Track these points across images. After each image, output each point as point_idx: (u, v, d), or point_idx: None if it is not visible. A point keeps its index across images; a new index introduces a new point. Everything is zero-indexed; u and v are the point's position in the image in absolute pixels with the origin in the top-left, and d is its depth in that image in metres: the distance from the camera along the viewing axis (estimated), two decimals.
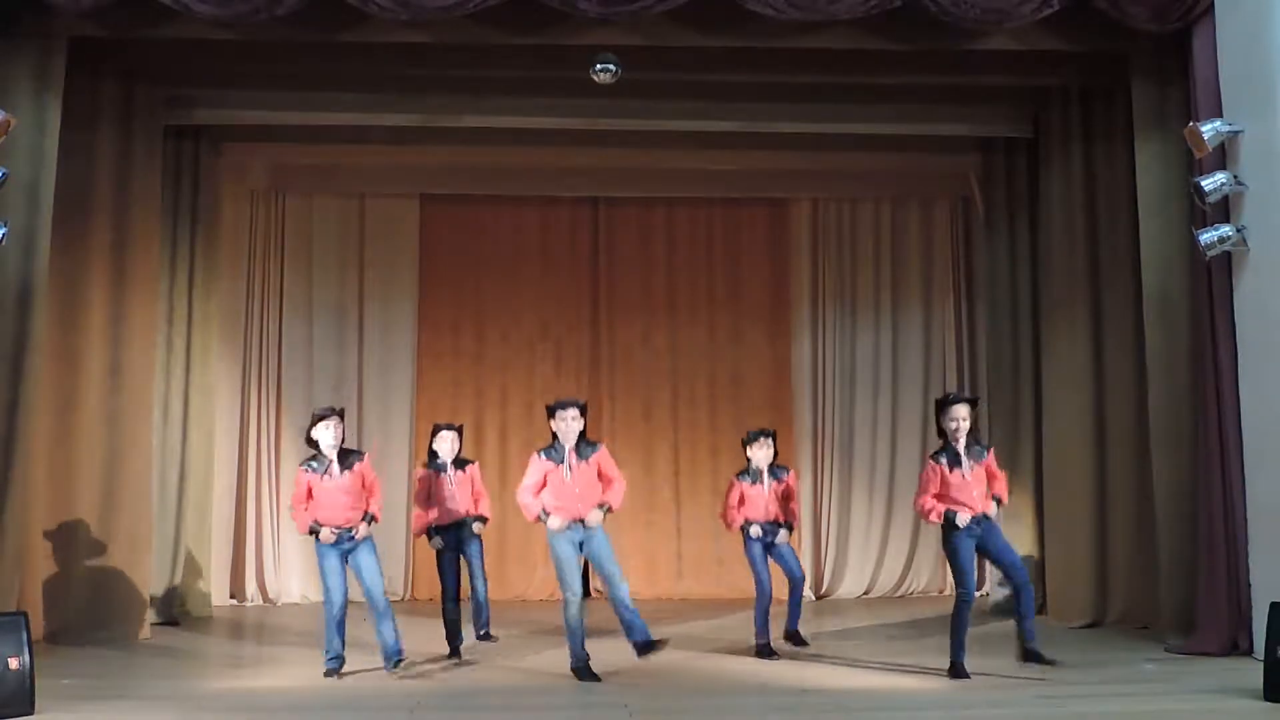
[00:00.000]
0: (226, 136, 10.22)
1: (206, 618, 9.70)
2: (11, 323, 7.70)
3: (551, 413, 7.08)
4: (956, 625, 6.88)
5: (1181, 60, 8.05)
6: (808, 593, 11.11)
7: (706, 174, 11.03)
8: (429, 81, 9.16)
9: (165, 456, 9.48)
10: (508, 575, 10.98)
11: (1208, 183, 7.51)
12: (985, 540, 6.90)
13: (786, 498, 7.98)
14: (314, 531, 7.08)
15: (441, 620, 7.84)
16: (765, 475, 7.94)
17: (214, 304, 10.22)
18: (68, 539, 8.36)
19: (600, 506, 6.94)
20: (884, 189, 11.55)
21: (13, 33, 7.81)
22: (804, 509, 11.24)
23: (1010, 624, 9.13)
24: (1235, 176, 7.48)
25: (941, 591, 11.16)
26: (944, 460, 6.92)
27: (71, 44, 8.03)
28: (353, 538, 7.08)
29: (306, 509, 7.13)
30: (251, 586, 10.82)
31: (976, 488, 6.87)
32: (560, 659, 7.24)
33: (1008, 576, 6.95)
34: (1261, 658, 6.34)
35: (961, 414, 6.91)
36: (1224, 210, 7.59)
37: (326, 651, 7.08)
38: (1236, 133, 7.47)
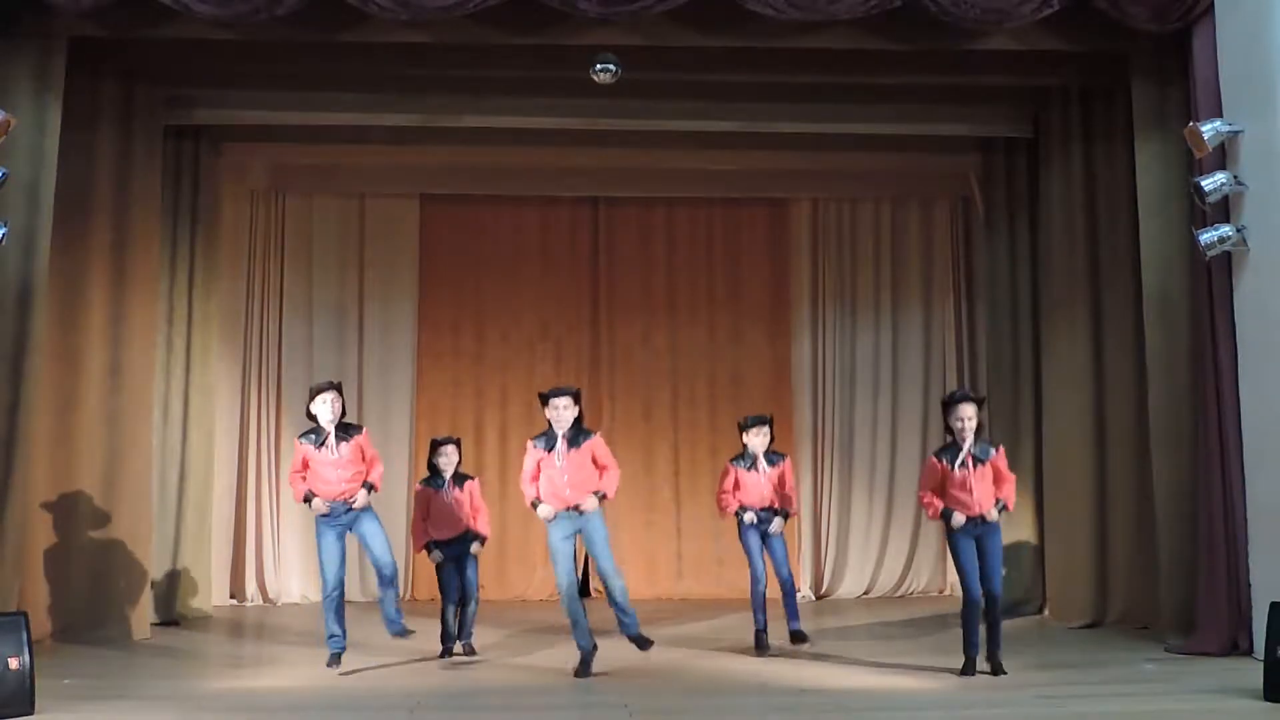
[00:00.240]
0: (226, 136, 10.22)
1: (206, 618, 9.69)
2: (12, 323, 7.70)
3: (545, 401, 7.09)
4: (966, 625, 6.91)
5: (1181, 60, 8.05)
6: (807, 592, 11.16)
7: (706, 174, 11.02)
8: (429, 81, 9.16)
9: (165, 456, 9.48)
10: (508, 575, 10.98)
11: (1208, 183, 7.51)
12: (980, 541, 6.90)
13: (782, 484, 7.94)
14: (308, 500, 7.09)
15: (440, 620, 7.84)
16: (761, 461, 7.92)
17: (214, 304, 10.21)
18: (68, 539, 8.35)
19: (595, 494, 6.93)
20: (884, 189, 11.54)
21: (13, 33, 7.81)
22: (804, 509, 11.25)
23: (1009, 624, 9.18)
24: (1235, 176, 7.48)
25: (941, 591, 11.16)
26: (946, 458, 6.93)
27: (71, 44, 8.03)
28: (350, 509, 7.06)
29: (304, 479, 7.14)
30: (251, 586, 10.81)
31: (978, 488, 6.86)
32: (560, 658, 7.25)
33: (983, 581, 6.88)
34: (1261, 658, 6.34)
35: (968, 413, 6.91)
36: (1224, 210, 7.60)
37: (327, 636, 7.07)
38: (1236, 133, 7.47)
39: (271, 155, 10.82)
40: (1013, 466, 9.38)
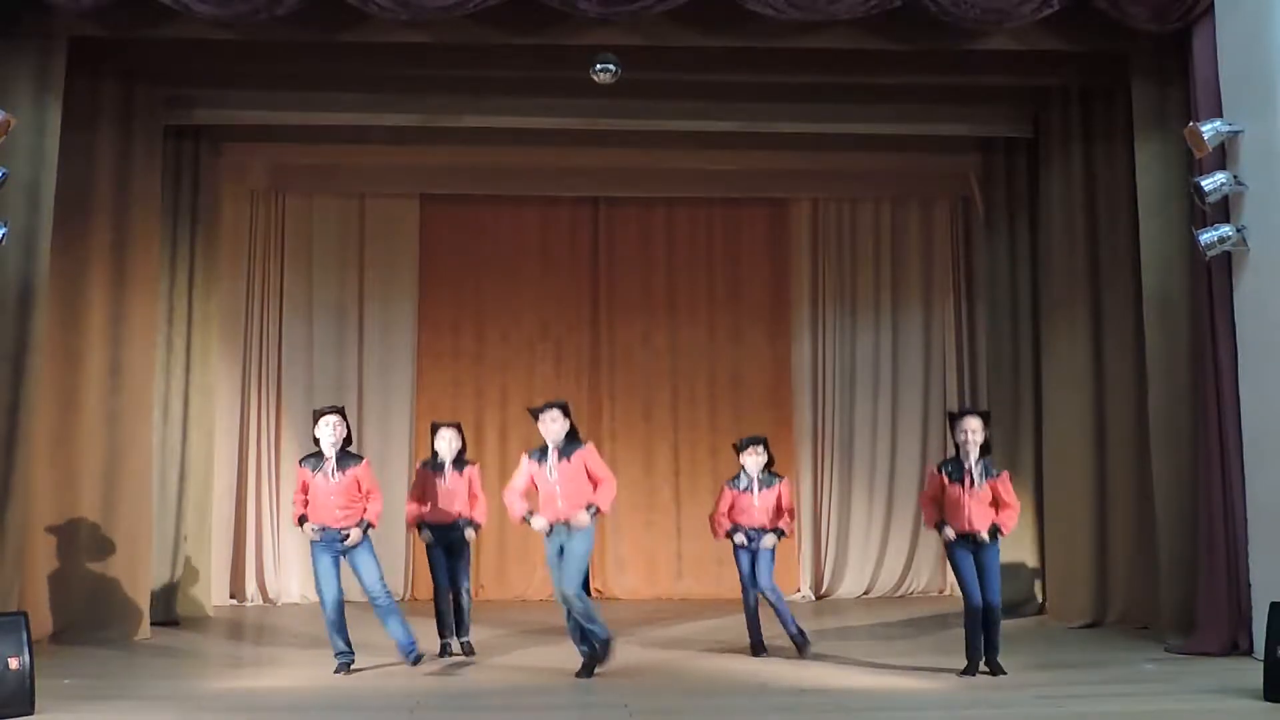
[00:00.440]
0: (226, 136, 10.22)
1: (206, 618, 9.69)
2: (12, 323, 7.70)
3: (535, 416, 7.06)
4: (968, 631, 6.91)
5: (1181, 60, 8.05)
6: (807, 592, 11.16)
7: (706, 174, 11.02)
8: (429, 81, 9.16)
9: (165, 456, 9.48)
10: (508, 575, 10.99)
11: (1208, 183, 7.51)
12: (976, 556, 6.88)
13: (779, 506, 7.85)
14: (302, 523, 7.10)
15: (435, 611, 7.82)
16: (755, 482, 7.88)
17: (214, 304, 10.21)
18: (68, 539, 8.36)
19: (588, 508, 6.86)
20: (884, 189, 11.55)
21: (13, 33, 7.81)
22: (804, 509, 11.26)
23: (1009, 625, 9.18)
24: (1235, 176, 7.48)
25: (941, 591, 11.17)
26: (946, 471, 6.95)
27: (71, 44, 8.03)
28: (343, 541, 7.05)
29: (305, 503, 7.14)
30: (251, 586, 10.82)
31: (975, 507, 6.83)
32: (560, 658, 7.25)
33: (982, 591, 6.85)
34: (1261, 658, 6.34)
35: (972, 425, 6.91)
36: (1224, 210, 7.60)
37: (334, 652, 7.10)
38: (1236, 133, 7.47)
39: (271, 155, 10.82)
40: (1013, 466, 9.47)
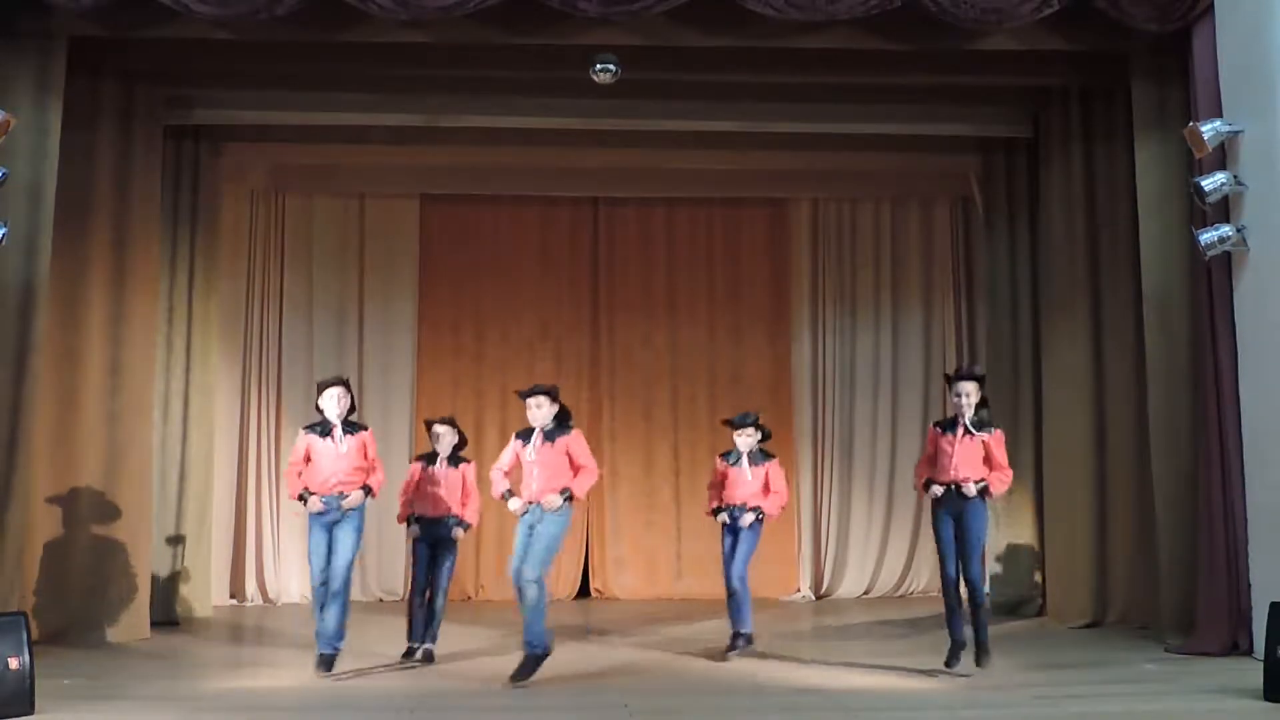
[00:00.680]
0: (226, 136, 10.21)
1: (206, 618, 9.68)
2: (14, 323, 7.71)
3: (523, 399, 7.03)
4: (946, 605, 6.89)
5: (1181, 60, 8.05)
6: (807, 592, 11.17)
7: (706, 174, 11.02)
8: (429, 81, 9.16)
9: (165, 456, 9.48)
10: (507, 575, 10.95)
11: (1208, 183, 7.51)
12: (959, 521, 6.78)
13: (767, 484, 7.80)
14: (303, 498, 7.01)
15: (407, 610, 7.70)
16: (745, 459, 7.85)
17: (214, 304, 10.20)
18: (68, 539, 8.35)
19: (561, 492, 6.77)
20: (884, 189, 11.55)
21: (13, 33, 7.81)
22: (804, 509, 11.28)
23: (1007, 624, 9.19)
24: (1235, 176, 7.48)
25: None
26: (940, 426, 7.00)
27: (71, 44, 8.03)
28: (339, 507, 6.95)
29: (301, 475, 7.06)
30: (251, 586, 10.82)
31: (963, 459, 6.78)
32: (560, 659, 7.24)
33: (961, 562, 6.78)
34: (1261, 658, 6.34)
35: (966, 389, 6.91)
36: (1224, 210, 7.60)
37: (315, 634, 6.98)
38: (1236, 133, 7.47)
39: (271, 155, 10.80)
40: (1013, 466, 9.42)
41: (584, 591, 11.22)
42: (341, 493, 6.99)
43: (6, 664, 5.75)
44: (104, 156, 8.64)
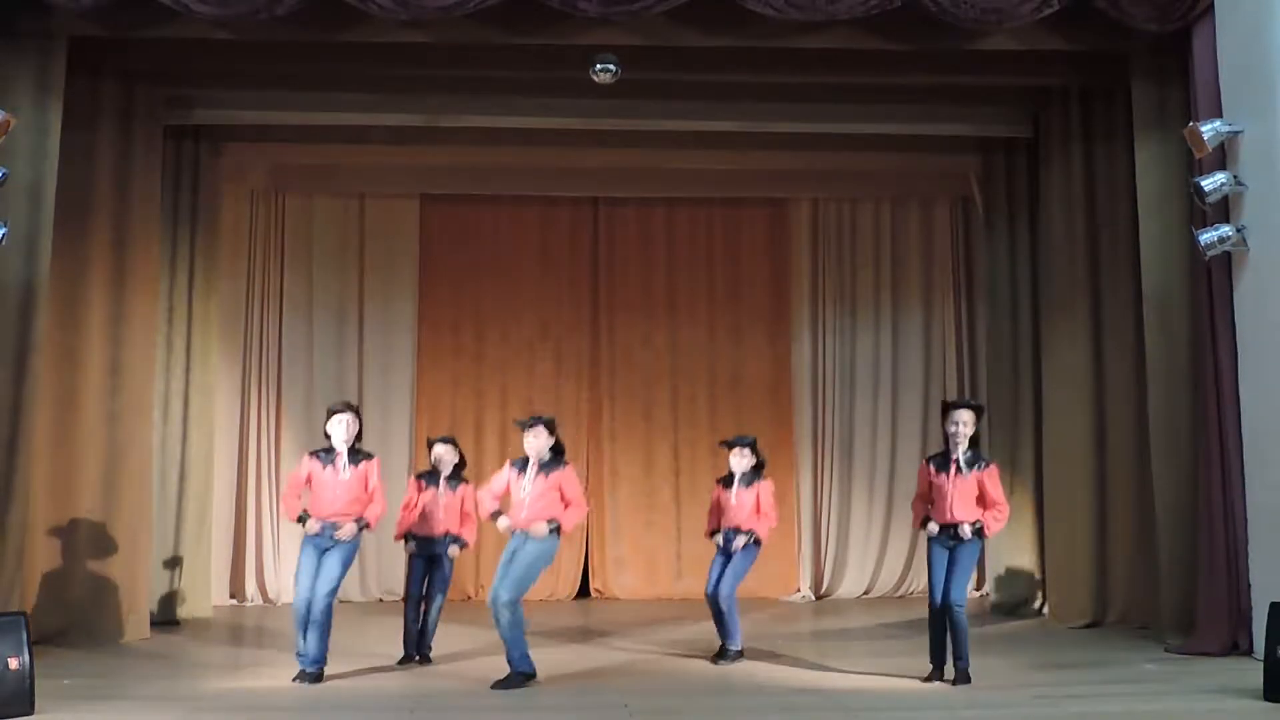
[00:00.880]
0: (226, 136, 10.21)
1: (206, 618, 9.69)
2: (14, 323, 7.71)
3: (521, 429, 7.08)
4: (930, 632, 6.87)
5: (1181, 60, 8.05)
6: (807, 592, 11.16)
7: (706, 174, 11.02)
8: (429, 81, 9.16)
9: (165, 456, 9.48)
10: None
11: (1208, 183, 7.51)
12: (952, 552, 6.77)
13: (757, 505, 7.77)
14: (301, 520, 7.01)
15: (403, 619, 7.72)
16: (737, 481, 7.84)
17: (214, 304, 10.20)
18: (68, 539, 8.35)
19: (549, 522, 6.80)
20: (884, 189, 11.55)
21: (13, 33, 7.81)
22: (804, 509, 11.28)
23: (1007, 624, 9.20)
24: (1235, 176, 7.49)
25: None
26: (933, 463, 6.90)
27: (71, 44, 8.04)
28: (332, 537, 6.94)
29: (300, 497, 7.06)
30: (251, 586, 10.82)
31: (958, 498, 6.72)
32: (559, 659, 7.26)
33: (946, 584, 6.75)
34: (1261, 658, 6.34)
35: (963, 418, 6.83)
36: (1224, 210, 7.60)
37: (296, 650, 6.97)
38: (1236, 133, 7.48)
39: (271, 155, 10.81)
40: (1013, 466, 9.46)
41: (584, 591, 11.22)
42: (336, 524, 6.96)
43: (6, 664, 5.75)
44: (104, 156, 8.64)
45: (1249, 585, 7.35)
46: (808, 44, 8.20)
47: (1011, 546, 9.96)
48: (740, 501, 7.76)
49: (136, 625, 8.54)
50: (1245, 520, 7.41)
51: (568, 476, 6.99)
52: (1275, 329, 7.19)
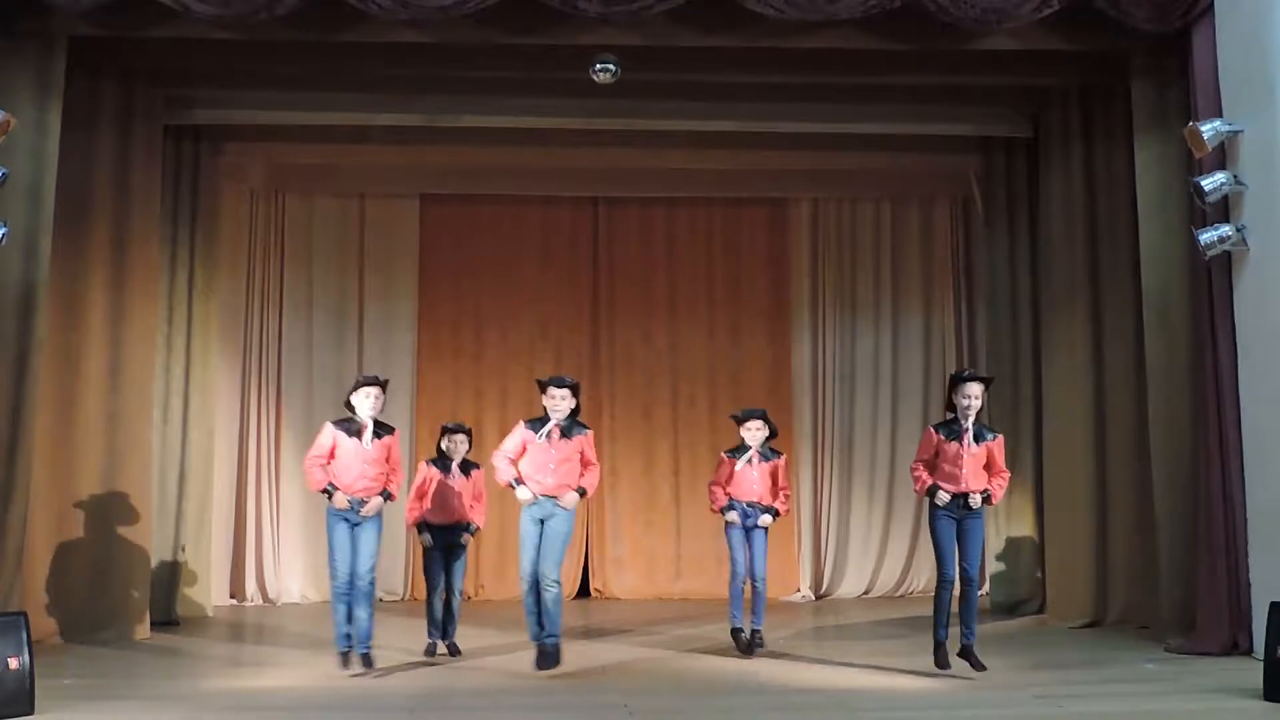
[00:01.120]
0: (226, 136, 10.22)
1: (206, 618, 9.69)
2: (14, 324, 7.71)
3: (543, 388, 7.05)
4: (936, 605, 6.88)
5: (1181, 60, 8.05)
6: (807, 592, 11.17)
7: (706, 174, 11.02)
8: (429, 81, 9.16)
9: (165, 456, 9.48)
10: (508, 575, 10.95)
11: (1208, 183, 7.51)
12: (960, 524, 6.81)
13: (775, 481, 7.85)
14: (327, 493, 6.95)
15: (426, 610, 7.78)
16: (755, 455, 7.87)
17: (214, 304, 10.21)
18: (68, 539, 8.35)
19: (577, 490, 6.92)
20: (884, 189, 11.55)
21: (13, 33, 7.81)
22: (804, 509, 11.27)
23: (1007, 624, 9.20)
24: (1235, 176, 7.48)
25: None
26: (943, 432, 6.89)
27: (71, 44, 8.04)
28: (358, 512, 6.92)
29: (325, 467, 6.97)
30: (251, 586, 10.82)
31: (970, 467, 6.77)
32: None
33: (961, 560, 6.83)
34: (1261, 658, 6.34)
35: (974, 391, 6.86)
36: (1224, 210, 7.60)
37: (335, 629, 6.97)
38: (1236, 133, 7.47)
39: (271, 155, 10.81)
40: (1013, 466, 9.41)
41: (584, 591, 11.22)
42: (363, 499, 6.96)
43: (6, 664, 5.74)
44: (104, 156, 8.65)
45: (1249, 585, 7.34)
46: (807, 44, 8.19)
47: (1011, 546, 9.96)
48: (760, 475, 7.78)
49: (136, 625, 8.54)
50: (1245, 520, 7.41)
51: (589, 442, 7.04)
52: (1275, 329, 7.19)
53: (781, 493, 7.90)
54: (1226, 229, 7.47)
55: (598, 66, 8.22)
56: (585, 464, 7.02)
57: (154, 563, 9.06)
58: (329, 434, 7.05)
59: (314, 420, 10.96)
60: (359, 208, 11.40)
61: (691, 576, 11.18)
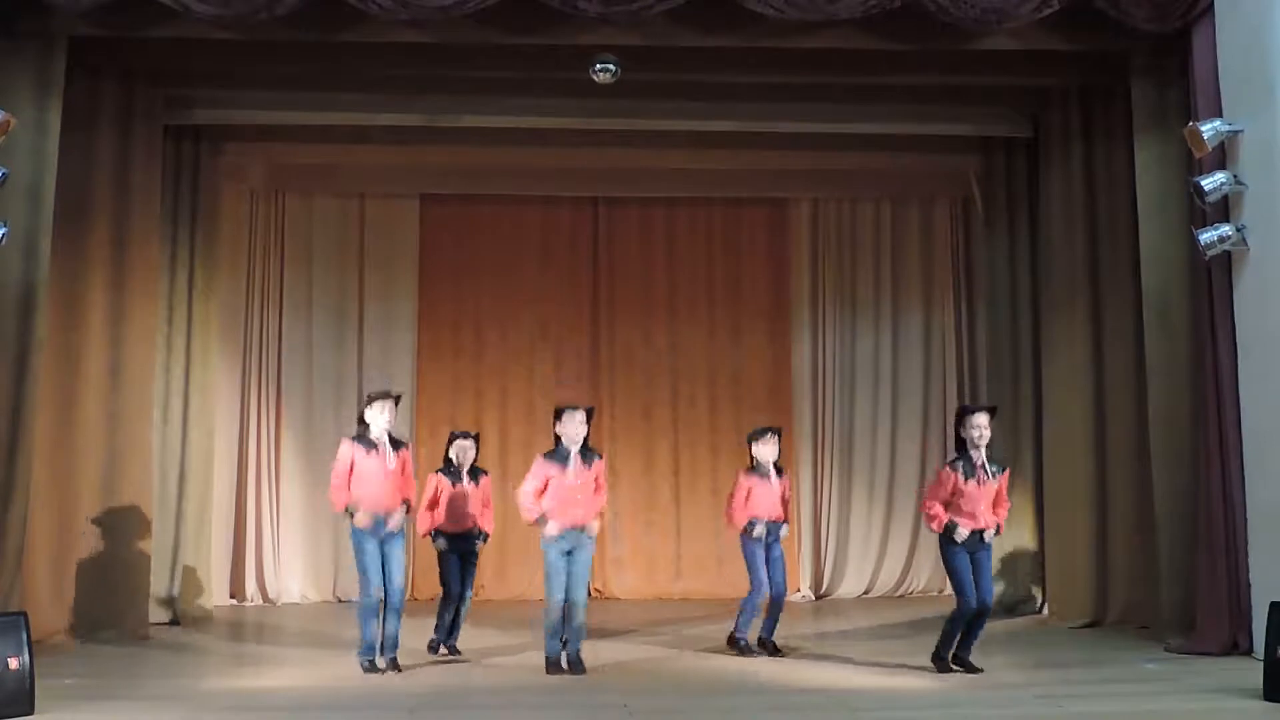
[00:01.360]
0: (226, 136, 10.22)
1: (206, 617, 9.68)
2: (14, 324, 7.71)
3: (559, 415, 7.11)
4: (949, 630, 6.98)
5: (1181, 60, 8.05)
6: (807, 592, 11.18)
7: (706, 174, 11.02)
8: (429, 81, 9.17)
9: (165, 456, 9.48)
10: (508, 575, 10.99)
11: (1208, 183, 7.51)
12: (973, 556, 6.95)
13: (784, 496, 7.94)
14: (349, 512, 7.00)
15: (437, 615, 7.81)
16: (772, 472, 7.89)
17: (214, 304, 10.21)
18: (68, 539, 8.36)
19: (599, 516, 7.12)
20: (884, 189, 11.55)
21: (13, 33, 7.81)
22: (804, 509, 11.29)
23: (1007, 624, 9.20)
24: (1235, 176, 7.48)
25: (941, 591, 11.12)
26: (960, 469, 6.94)
27: (71, 44, 8.04)
28: (385, 525, 6.99)
29: (348, 487, 7.02)
30: (251, 586, 10.81)
31: (984, 502, 6.93)
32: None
33: (979, 592, 6.93)
34: (1261, 658, 6.34)
35: (983, 422, 6.96)
36: (1224, 210, 7.60)
37: (363, 640, 7.04)
38: (1236, 133, 7.47)
39: (271, 155, 10.81)
40: (1013, 466, 9.42)
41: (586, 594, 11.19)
42: (387, 516, 7.01)
43: (6, 664, 5.74)
44: (104, 156, 8.65)
45: (1249, 585, 7.34)
46: (807, 44, 8.20)
47: (1011, 546, 9.96)
48: (778, 491, 7.87)
49: (137, 625, 8.55)
50: (1245, 520, 7.41)
51: (603, 469, 7.21)
52: (1275, 329, 7.19)
53: (789, 508, 8.03)
54: (1226, 229, 7.47)
55: (598, 66, 8.22)
56: (598, 489, 7.14)
57: (154, 562, 9.05)
58: (346, 451, 7.09)
59: (314, 420, 11.01)
60: (359, 208, 11.40)
61: (691, 576, 11.18)
